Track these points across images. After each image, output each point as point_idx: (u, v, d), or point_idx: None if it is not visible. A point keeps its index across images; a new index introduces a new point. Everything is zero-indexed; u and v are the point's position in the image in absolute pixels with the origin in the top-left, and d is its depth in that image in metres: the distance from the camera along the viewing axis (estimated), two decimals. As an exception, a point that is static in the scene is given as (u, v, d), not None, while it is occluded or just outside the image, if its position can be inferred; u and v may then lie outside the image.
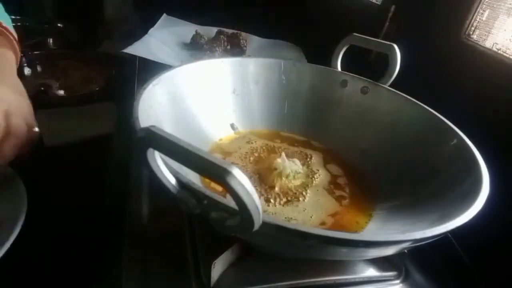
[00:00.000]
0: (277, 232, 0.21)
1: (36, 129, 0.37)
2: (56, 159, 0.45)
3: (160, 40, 0.76)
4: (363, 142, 0.45)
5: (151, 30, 0.79)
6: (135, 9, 0.98)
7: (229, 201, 0.20)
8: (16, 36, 0.45)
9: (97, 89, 0.61)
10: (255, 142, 0.46)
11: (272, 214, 0.35)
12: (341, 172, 0.43)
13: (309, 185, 0.39)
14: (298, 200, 0.37)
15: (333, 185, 0.41)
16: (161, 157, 0.22)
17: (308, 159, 0.44)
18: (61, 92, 0.59)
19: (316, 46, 0.75)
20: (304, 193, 0.38)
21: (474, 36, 0.48)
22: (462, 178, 0.32)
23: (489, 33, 0.46)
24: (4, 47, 0.42)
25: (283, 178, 0.38)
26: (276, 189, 0.38)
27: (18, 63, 0.44)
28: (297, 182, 0.39)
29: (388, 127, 0.44)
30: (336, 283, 0.31)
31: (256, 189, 0.31)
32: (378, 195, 0.39)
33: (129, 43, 0.69)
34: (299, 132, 0.49)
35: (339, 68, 0.50)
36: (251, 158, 0.43)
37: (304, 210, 0.36)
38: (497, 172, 0.30)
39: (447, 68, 0.50)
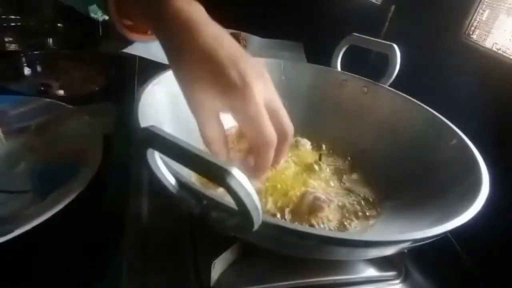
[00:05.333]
0: (277, 232, 0.21)
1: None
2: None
3: (160, 40, 0.76)
4: (363, 142, 0.45)
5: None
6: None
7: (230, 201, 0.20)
8: None
9: (97, 89, 0.61)
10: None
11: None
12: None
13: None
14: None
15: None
16: (161, 157, 0.22)
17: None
18: (61, 92, 0.59)
19: (316, 46, 0.75)
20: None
21: (474, 36, 0.48)
22: (462, 178, 0.32)
23: (489, 33, 0.46)
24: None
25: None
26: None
27: None
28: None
29: (388, 127, 0.44)
30: (336, 283, 0.31)
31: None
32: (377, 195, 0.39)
33: (129, 43, 0.69)
34: (298, 132, 0.49)
35: (339, 68, 0.50)
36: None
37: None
38: (497, 172, 0.30)
39: (447, 68, 0.50)
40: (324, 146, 0.46)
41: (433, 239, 0.24)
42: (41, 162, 0.41)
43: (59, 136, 0.44)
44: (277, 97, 0.30)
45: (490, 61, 0.44)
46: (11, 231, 0.30)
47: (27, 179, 0.39)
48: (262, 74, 0.29)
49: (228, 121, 0.46)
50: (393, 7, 0.63)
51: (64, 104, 0.49)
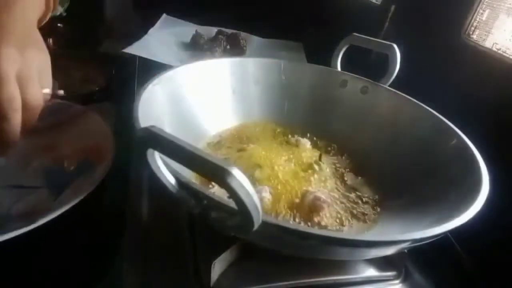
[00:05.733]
0: (277, 232, 0.21)
1: (47, 90, 0.33)
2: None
3: (160, 40, 0.76)
4: (363, 142, 0.45)
5: (151, 30, 0.79)
6: (135, 9, 0.98)
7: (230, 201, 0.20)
8: None
9: (97, 89, 0.60)
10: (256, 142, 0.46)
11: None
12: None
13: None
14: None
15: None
16: (161, 157, 0.22)
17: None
18: (61, 92, 0.59)
19: (316, 46, 0.75)
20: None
21: (474, 36, 0.48)
22: (462, 178, 0.32)
23: (489, 33, 0.46)
24: None
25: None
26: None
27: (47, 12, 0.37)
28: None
29: (388, 127, 0.44)
30: (336, 283, 0.31)
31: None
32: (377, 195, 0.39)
33: (129, 43, 0.69)
34: (299, 132, 0.49)
35: (339, 68, 0.50)
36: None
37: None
38: (497, 172, 0.30)
39: (447, 68, 0.50)
40: (324, 146, 0.46)
41: (433, 239, 0.24)
42: (54, 161, 0.41)
43: (71, 134, 0.45)
44: (34, 71, 0.30)
45: (490, 61, 0.44)
46: (28, 224, 0.30)
47: (40, 178, 0.39)
48: (35, 45, 0.31)
49: (227, 122, 0.47)
50: (393, 7, 0.63)
51: (74, 104, 0.49)
